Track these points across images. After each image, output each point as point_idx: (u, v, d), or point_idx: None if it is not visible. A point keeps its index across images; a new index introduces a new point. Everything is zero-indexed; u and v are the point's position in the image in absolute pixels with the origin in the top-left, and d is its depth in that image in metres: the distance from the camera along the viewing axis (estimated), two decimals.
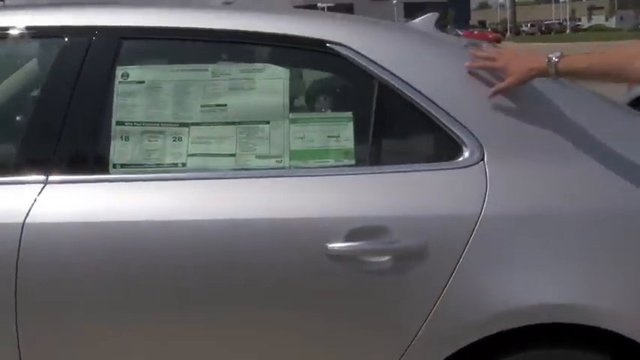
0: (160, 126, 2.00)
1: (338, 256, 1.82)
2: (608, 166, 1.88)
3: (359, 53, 1.96)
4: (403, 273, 1.83)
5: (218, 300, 1.86)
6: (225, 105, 2.00)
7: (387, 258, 1.82)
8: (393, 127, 1.97)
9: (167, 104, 2.01)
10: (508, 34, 72.03)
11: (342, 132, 1.95)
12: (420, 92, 1.93)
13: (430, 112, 1.92)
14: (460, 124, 1.91)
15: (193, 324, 1.88)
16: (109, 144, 1.97)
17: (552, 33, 77.12)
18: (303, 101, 2.13)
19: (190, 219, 1.87)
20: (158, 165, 1.97)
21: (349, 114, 1.97)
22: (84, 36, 2.03)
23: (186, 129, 1.99)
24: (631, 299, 1.81)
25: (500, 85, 1.90)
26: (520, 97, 1.94)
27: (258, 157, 1.96)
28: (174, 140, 1.99)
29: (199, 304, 1.87)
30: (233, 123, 1.99)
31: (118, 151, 1.97)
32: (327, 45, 1.98)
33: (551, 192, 1.86)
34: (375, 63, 1.95)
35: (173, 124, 1.99)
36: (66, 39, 2.05)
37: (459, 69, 1.98)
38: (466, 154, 1.89)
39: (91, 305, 1.87)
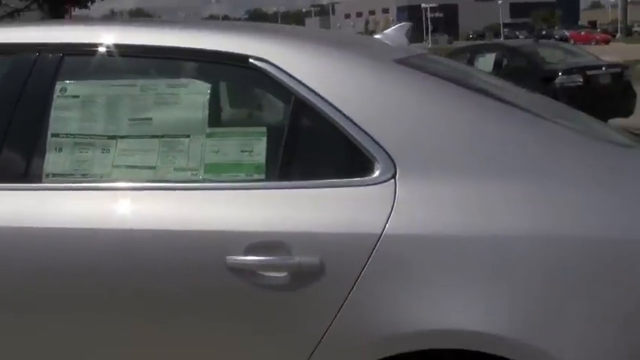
0: (91, 138, 2.07)
1: (237, 270, 1.83)
2: (518, 188, 1.80)
3: (279, 69, 1.97)
4: (299, 290, 1.82)
5: (127, 308, 1.92)
6: (151, 119, 2.06)
7: (283, 274, 1.82)
8: (306, 142, 1.97)
9: (99, 118, 2.08)
10: (618, 34, 69.08)
11: (255, 146, 1.97)
12: (335, 108, 1.91)
13: (344, 128, 1.90)
14: (374, 141, 1.88)
15: (106, 331, 1.94)
16: (44, 155, 2.06)
17: None
18: (223, 116, 2.15)
19: (106, 228, 1.93)
20: (85, 175, 2.04)
21: (263, 129, 1.98)
22: (31, 52, 2.13)
23: (114, 141, 2.06)
24: (534, 327, 1.73)
25: None
26: (436, 116, 1.90)
27: (176, 169, 2.00)
28: (102, 152, 2.06)
29: (111, 310, 1.93)
30: (157, 136, 2.04)
31: (51, 161, 2.06)
32: (250, 60, 2.00)
33: (460, 212, 1.80)
34: (294, 78, 1.95)
35: (102, 136, 2.06)
36: (15, 55, 2.17)
37: (378, 85, 1.95)
38: (377, 171, 1.86)
39: (17, 307, 1.97)
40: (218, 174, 1.97)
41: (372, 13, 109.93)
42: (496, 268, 1.75)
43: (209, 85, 2.04)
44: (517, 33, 67.39)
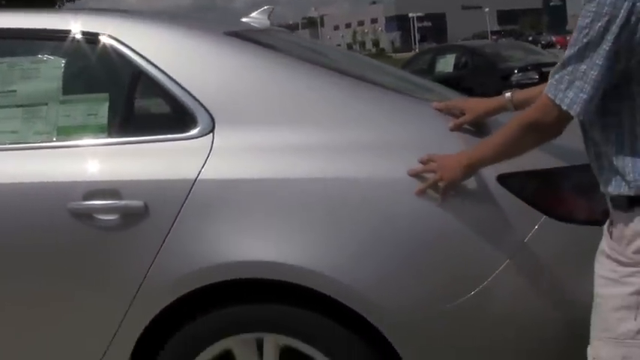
0: None
1: (77, 214, 2.13)
2: (331, 135, 2.10)
3: (121, 42, 2.27)
4: (128, 230, 2.11)
5: None
6: (15, 91, 2.35)
7: (115, 216, 2.11)
8: (141, 104, 2.29)
9: None
10: None
11: (100, 110, 2.27)
12: (166, 74, 2.21)
13: (172, 91, 2.20)
14: (197, 101, 2.17)
15: None
16: None
17: None
18: (75, 85, 2.44)
19: None
20: None
21: (106, 95, 2.28)
22: None
23: None
24: (341, 262, 1.99)
25: (458, 121, 2.11)
26: (251, 78, 2.20)
27: (35, 133, 2.30)
28: None
29: None
30: (20, 105, 2.34)
31: None
32: (99, 37, 2.30)
33: (266, 159, 2.09)
34: (133, 50, 2.25)
35: None
36: None
37: (202, 53, 2.26)
38: (199, 126, 2.16)
39: None
40: (68, 135, 2.27)
41: (360, 23, 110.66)
42: (293, 207, 2.04)
43: (64, 60, 2.34)
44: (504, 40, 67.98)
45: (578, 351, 1.88)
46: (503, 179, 1.98)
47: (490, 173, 1.98)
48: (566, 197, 2.05)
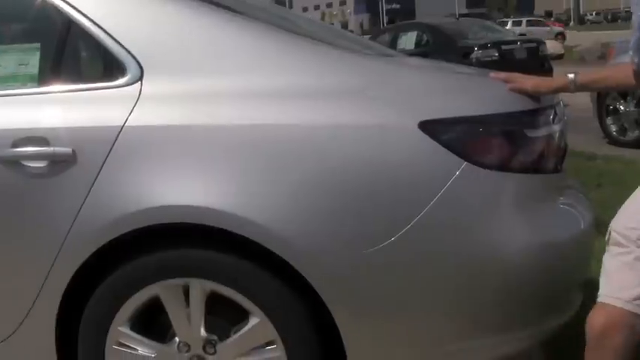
0: None
1: (5, 161, 2.14)
2: (254, 82, 2.12)
3: None
4: (56, 176, 2.12)
5: None
6: None
7: (43, 163, 2.13)
8: (72, 55, 2.29)
9: None
10: (572, 22, 70.38)
11: (31, 60, 2.27)
12: (98, 25, 2.22)
13: (104, 42, 2.21)
14: (127, 51, 2.19)
15: None
16: None
17: (619, 21, 74.81)
18: (9, 36, 2.45)
19: None
20: None
21: (37, 45, 2.29)
22: None
23: None
24: (263, 206, 2.01)
25: (519, 86, 2.21)
26: (180, 29, 2.22)
27: None
28: None
29: None
30: None
31: None
32: None
33: (192, 106, 2.11)
34: (68, 3, 2.26)
35: None
36: None
37: (135, 6, 2.27)
38: (128, 75, 2.17)
39: None
40: (1, 84, 2.27)
41: (329, 5, 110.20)
42: (215, 152, 2.06)
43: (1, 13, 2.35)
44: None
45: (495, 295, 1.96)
46: (424, 125, 2.03)
47: (413, 120, 2.02)
48: (486, 144, 2.10)
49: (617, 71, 2.23)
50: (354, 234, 2.02)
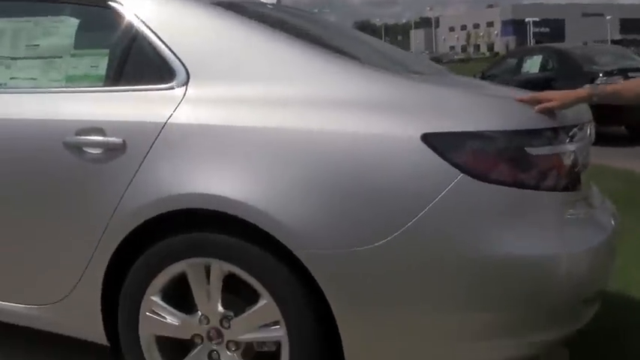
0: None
1: (70, 146, 2.54)
2: (282, 92, 2.40)
3: (124, 6, 2.67)
4: (109, 162, 2.50)
5: None
6: (38, 45, 2.79)
7: (100, 150, 2.51)
8: (133, 60, 2.66)
9: (5, 45, 2.85)
10: None
11: (100, 63, 2.66)
12: (156, 35, 2.59)
13: (162, 51, 2.57)
14: (177, 58, 2.54)
15: None
16: None
17: None
18: (84, 42, 2.84)
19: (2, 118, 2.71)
20: None
21: (107, 50, 2.68)
22: None
23: (14, 61, 2.81)
24: (277, 201, 2.28)
25: (546, 105, 2.37)
26: (224, 41, 2.54)
27: (50, 80, 2.73)
28: (5, 68, 2.82)
29: None
30: (42, 57, 2.78)
31: None
32: (108, 2, 2.71)
33: (226, 109, 2.42)
34: (135, 15, 2.64)
35: (6, 57, 2.83)
36: None
37: (189, 19, 2.61)
38: (176, 79, 2.52)
39: None
40: (73, 82, 2.68)
41: (476, 26, 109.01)
42: (241, 151, 2.35)
43: (78, 20, 2.77)
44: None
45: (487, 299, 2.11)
46: (426, 137, 2.22)
47: (416, 131, 2.22)
48: (483, 159, 2.25)
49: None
50: (351, 232, 2.24)
